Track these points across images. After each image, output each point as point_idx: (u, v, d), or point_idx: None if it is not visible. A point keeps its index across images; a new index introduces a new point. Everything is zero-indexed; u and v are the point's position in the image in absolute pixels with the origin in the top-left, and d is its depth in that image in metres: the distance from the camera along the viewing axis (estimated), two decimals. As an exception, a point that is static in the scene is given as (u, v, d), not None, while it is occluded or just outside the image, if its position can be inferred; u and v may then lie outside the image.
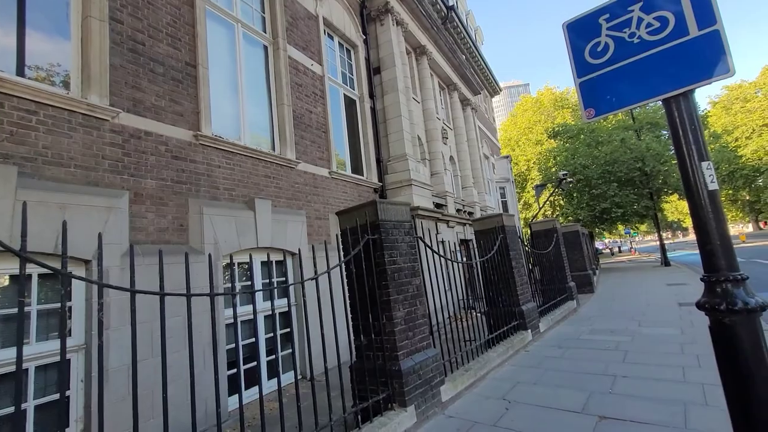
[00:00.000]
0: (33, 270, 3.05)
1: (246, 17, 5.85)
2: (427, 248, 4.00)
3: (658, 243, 20.56)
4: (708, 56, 1.75)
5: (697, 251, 1.82)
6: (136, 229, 3.77)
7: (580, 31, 2.15)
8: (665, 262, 17.49)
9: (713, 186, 1.75)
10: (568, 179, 17.86)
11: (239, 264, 4.89)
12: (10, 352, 2.86)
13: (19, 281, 1.72)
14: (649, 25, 1.92)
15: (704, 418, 2.85)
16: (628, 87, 1.99)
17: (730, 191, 40.56)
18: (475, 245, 6.12)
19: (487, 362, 4.51)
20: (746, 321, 1.62)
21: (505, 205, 19.50)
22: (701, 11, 1.77)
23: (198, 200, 4.39)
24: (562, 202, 22.58)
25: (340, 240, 3.68)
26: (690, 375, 3.74)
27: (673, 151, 20.44)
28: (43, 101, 3.28)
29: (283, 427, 2.48)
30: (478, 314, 6.61)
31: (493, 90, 22.38)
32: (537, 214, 18.83)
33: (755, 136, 37.17)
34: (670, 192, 19.13)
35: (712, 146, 25.55)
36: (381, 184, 8.49)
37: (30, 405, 2.95)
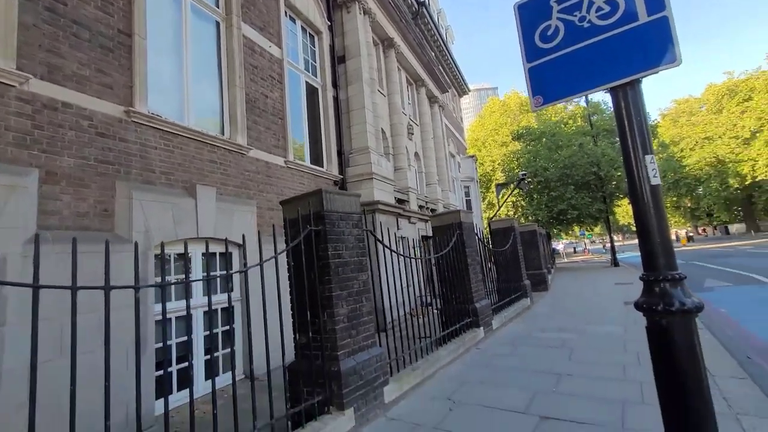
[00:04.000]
0: None
1: (195, -12, 5.39)
2: (377, 242, 3.82)
3: (609, 245, 21.63)
4: (656, 44, 1.66)
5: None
6: (47, 212, 3.32)
7: (531, 12, 2.02)
8: (615, 262, 18.42)
9: (656, 181, 1.67)
10: (528, 179, 18.33)
11: (178, 255, 4.50)
12: None
13: None
14: (599, 8, 1.81)
15: (641, 416, 2.86)
16: (577, 74, 1.87)
17: (675, 198, 43.67)
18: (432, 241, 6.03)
19: (437, 360, 4.41)
20: (682, 322, 1.56)
21: (468, 203, 19.75)
22: (651, -6, 1.67)
23: (128, 183, 3.96)
24: (523, 203, 23.23)
25: (285, 231, 3.42)
26: (630, 373, 3.80)
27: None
28: (-74, 57, 2.78)
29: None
30: (436, 311, 6.56)
31: (462, 90, 22.60)
32: (497, 212, 19.21)
33: (698, 147, 40.30)
34: (622, 196, 20.15)
35: (661, 155, 27.40)
36: (342, 176, 8.23)
37: None
